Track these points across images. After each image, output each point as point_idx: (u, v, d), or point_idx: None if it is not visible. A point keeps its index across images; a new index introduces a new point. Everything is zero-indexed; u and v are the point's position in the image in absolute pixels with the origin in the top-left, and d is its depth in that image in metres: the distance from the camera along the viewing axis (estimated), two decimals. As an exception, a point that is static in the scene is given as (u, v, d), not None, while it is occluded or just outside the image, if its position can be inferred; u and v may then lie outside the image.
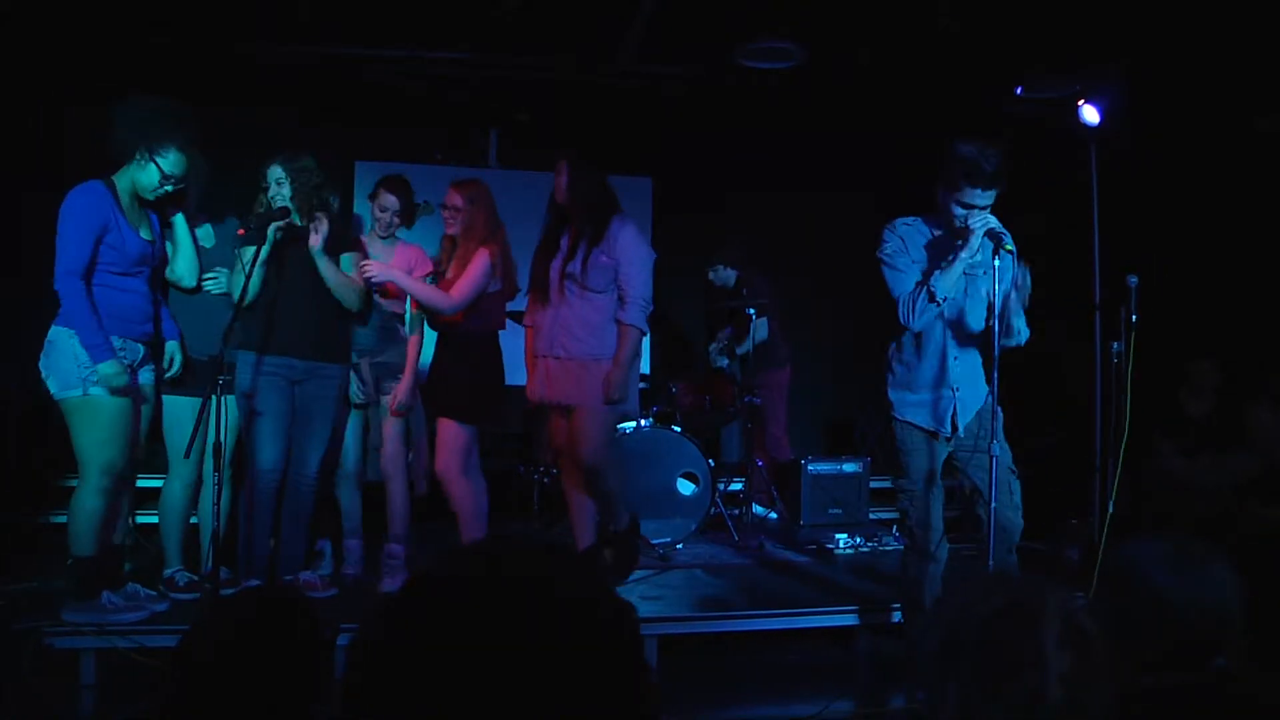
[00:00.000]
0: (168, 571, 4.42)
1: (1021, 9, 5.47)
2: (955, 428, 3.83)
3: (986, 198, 3.64)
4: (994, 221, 3.57)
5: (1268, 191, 5.51)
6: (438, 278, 4.70)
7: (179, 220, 4.35)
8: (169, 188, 4.05)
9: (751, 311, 6.19)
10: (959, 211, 3.66)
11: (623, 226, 4.58)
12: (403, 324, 4.88)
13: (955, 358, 3.82)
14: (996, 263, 3.56)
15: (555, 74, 6.86)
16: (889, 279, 3.80)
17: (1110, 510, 4.47)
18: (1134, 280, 4.58)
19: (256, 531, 4.40)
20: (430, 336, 4.80)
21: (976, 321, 3.81)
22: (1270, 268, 5.52)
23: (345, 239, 4.61)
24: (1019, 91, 6.02)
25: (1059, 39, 5.67)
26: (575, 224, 4.58)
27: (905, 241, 3.83)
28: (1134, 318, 4.53)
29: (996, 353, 3.57)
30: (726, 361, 6.66)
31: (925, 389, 3.86)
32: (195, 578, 4.44)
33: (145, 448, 4.29)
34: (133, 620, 3.93)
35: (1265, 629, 1.86)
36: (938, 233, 3.82)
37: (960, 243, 3.63)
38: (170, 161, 3.99)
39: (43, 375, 3.89)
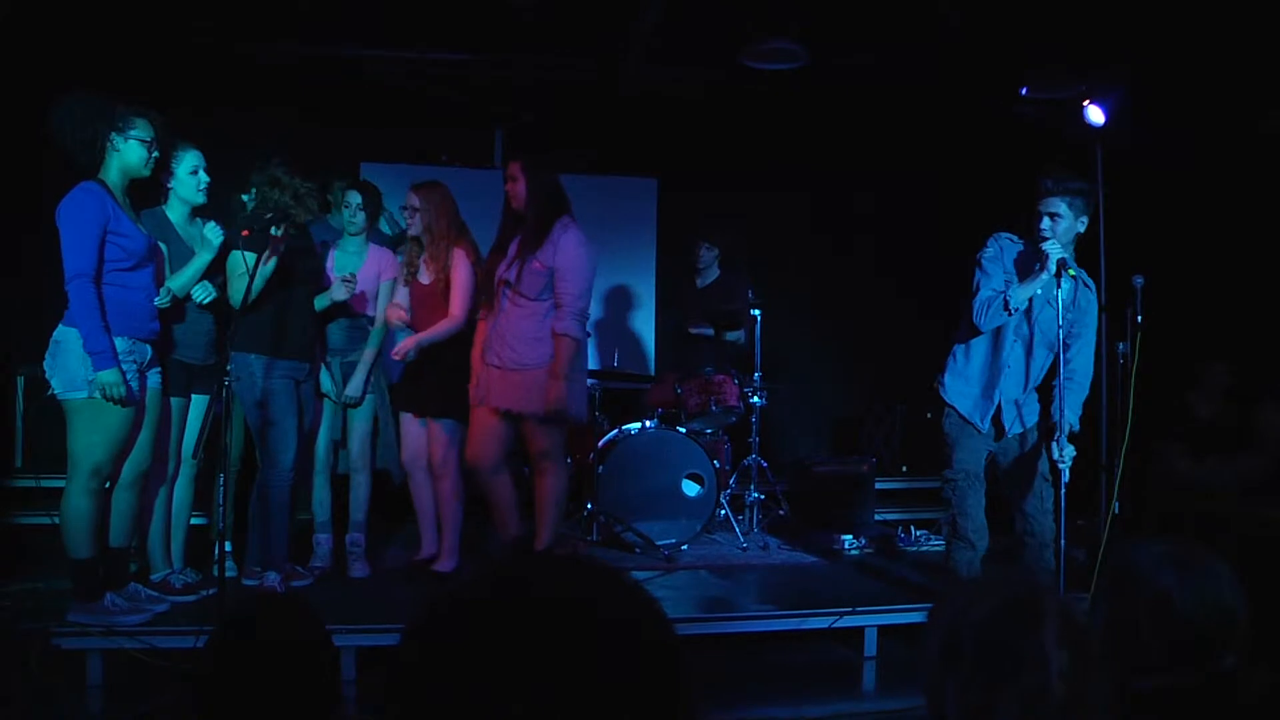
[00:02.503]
0: (158, 575, 4.45)
1: (1027, 9, 5.46)
2: (1000, 430, 4.23)
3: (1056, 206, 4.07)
4: (1062, 252, 3.96)
5: (1274, 192, 5.50)
6: (407, 281, 4.88)
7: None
8: (156, 153, 4.05)
9: (757, 313, 6.20)
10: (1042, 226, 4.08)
11: (565, 231, 4.48)
12: (372, 325, 5.03)
13: (1009, 367, 4.19)
14: (1058, 290, 3.97)
15: (561, 74, 6.87)
16: (978, 279, 4.16)
17: (1115, 511, 4.47)
18: (1140, 281, 4.58)
19: (276, 531, 4.52)
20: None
21: (1040, 340, 4.20)
22: (1276, 268, 5.51)
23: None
24: (1024, 92, 6.01)
25: (1064, 40, 5.66)
26: (525, 229, 4.53)
27: (1003, 251, 4.20)
28: (1139, 318, 4.53)
29: (1061, 373, 4.07)
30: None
31: (976, 384, 4.24)
32: (190, 580, 4.49)
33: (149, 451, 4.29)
34: (135, 622, 3.95)
35: (1270, 630, 1.86)
36: (1028, 248, 4.19)
37: (1039, 265, 4.01)
38: (141, 128, 3.98)
39: (47, 374, 3.89)
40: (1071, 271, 3.99)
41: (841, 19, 5.79)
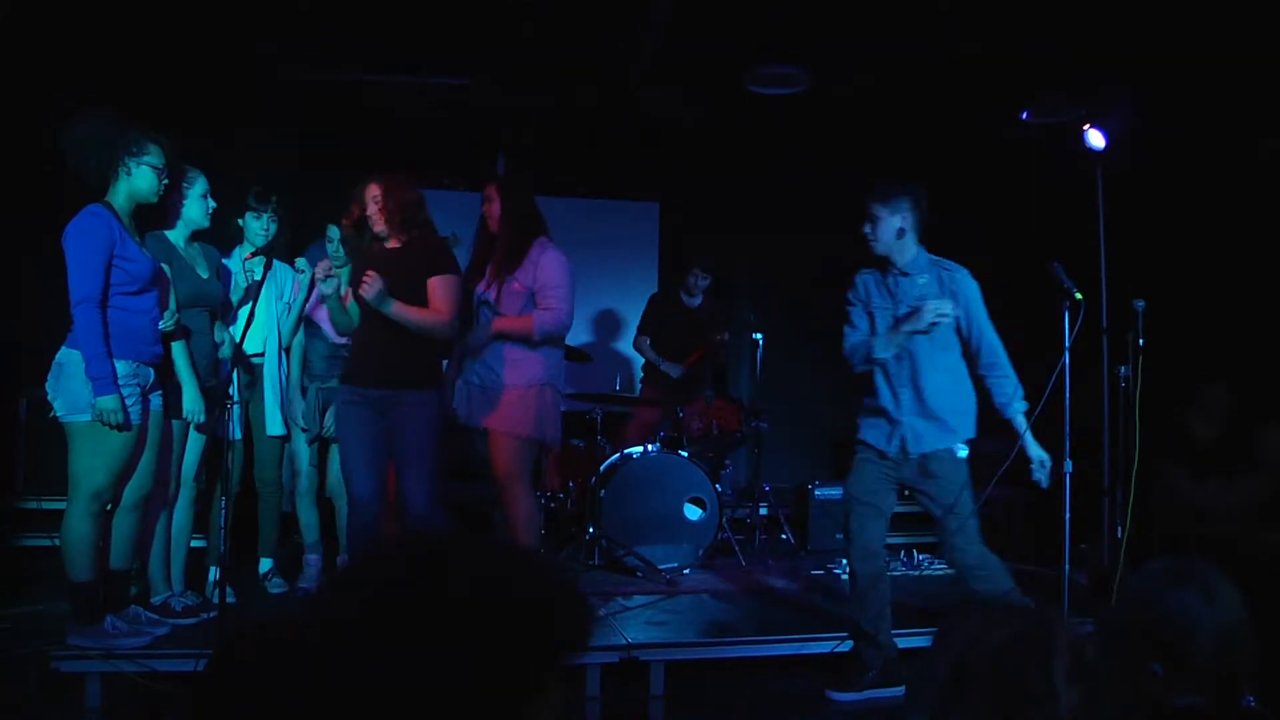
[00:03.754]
0: (159, 598, 4.44)
1: (1028, 34, 5.49)
2: (904, 453, 4.15)
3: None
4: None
5: (1273, 213, 5.51)
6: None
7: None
8: (166, 181, 4.06)
9: (759, 337, 6.23)
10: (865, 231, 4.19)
11: (544, 251, 4.50)
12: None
13: (901, 384, 4.15)
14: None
15: (563, 97, 6.90)
16: (846, 323, 4.25)
17: (1120, 535, 4.46)
18: (1140, 305, 4.59)
19: None
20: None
21: (920, 345, 4.10)
22: (1276, 289, 5.51)
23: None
24: (1025, 116, 6.05)
25: (1065, 64, 5.69)
26: (499, 249, 4.51)
27: (859, 287, 4.26)
28: (1141, 342, 4.53)
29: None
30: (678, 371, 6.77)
31: (876, 414, 4.22)
32: (190, 602, 4.48)
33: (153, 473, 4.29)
34: (135, 645, 3.92)
35: (1275, 652, 1.85)
36: (880, 274, 4.24)
37: (909, 319, 4.01)
38: (155, 154, 3.99)
39: (49, 396, 3.88)
40: (1078, 297, 4.06)
41: (844, 41, 5.82)
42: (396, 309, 4.10)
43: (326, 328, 4.91)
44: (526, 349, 4.52)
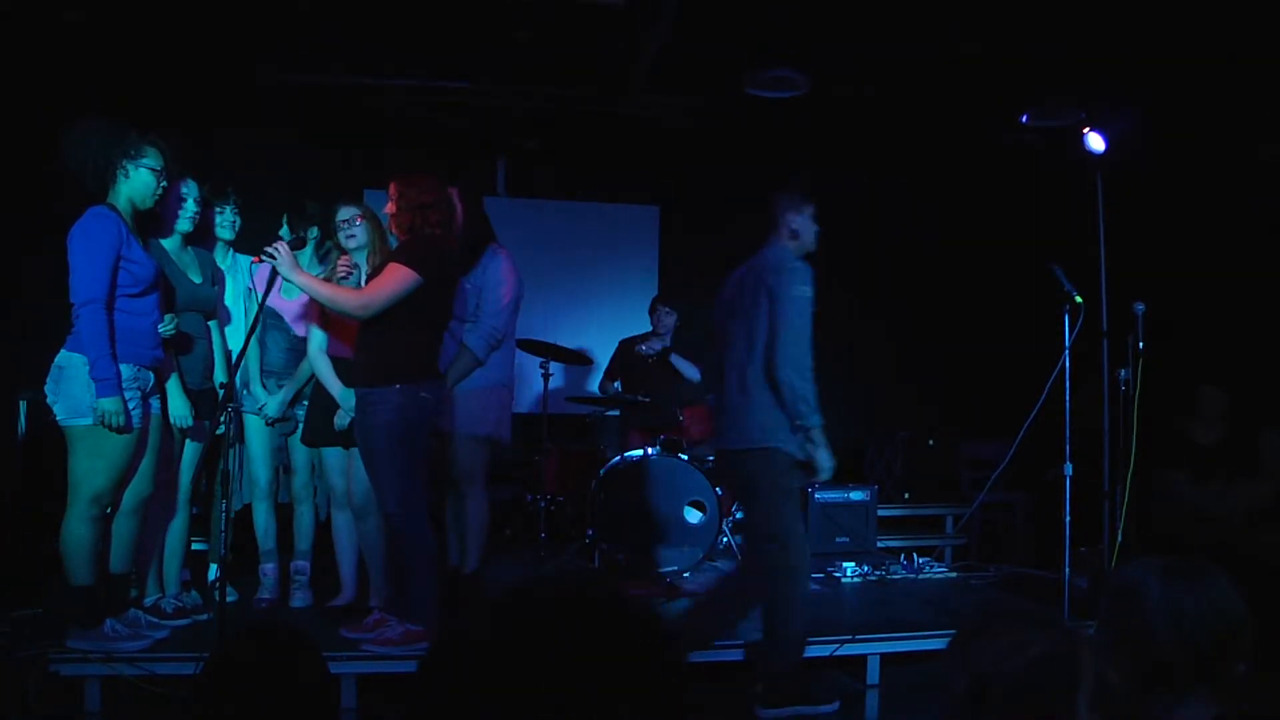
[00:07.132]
0: (150, 599, 4.43)
1: (1028, 36, 5.50)
2: None
3: None
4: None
5: (1273, 217, 5.52)
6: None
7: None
8: (164, 183, 4.06)
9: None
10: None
11: (495, 255, 4.68)
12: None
13: None
14: None
15: (564, 102, 6.91)
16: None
17: (1119, 539, 4.46)
18: (1140, 308, 4.59)
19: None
20: None
21: None
22: (1276, 293, 5.52)
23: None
24: (1024, 120, 6.05)
25: (1065, 66, 5.70)
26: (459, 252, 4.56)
27: None
28: (1141, 345, 4.53)
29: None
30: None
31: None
32: (185, 604, 4.47)
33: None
34: (134, 649, 3.92)
35: (1275, 653, 1.85)
36: None
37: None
38: (153, 157, 3.99)
39: (49, 400, 3.87)
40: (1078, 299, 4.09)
41: (844, 43, 5.82)
42: (302, 281, 4.02)
43: (289, 320, 4.81)
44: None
